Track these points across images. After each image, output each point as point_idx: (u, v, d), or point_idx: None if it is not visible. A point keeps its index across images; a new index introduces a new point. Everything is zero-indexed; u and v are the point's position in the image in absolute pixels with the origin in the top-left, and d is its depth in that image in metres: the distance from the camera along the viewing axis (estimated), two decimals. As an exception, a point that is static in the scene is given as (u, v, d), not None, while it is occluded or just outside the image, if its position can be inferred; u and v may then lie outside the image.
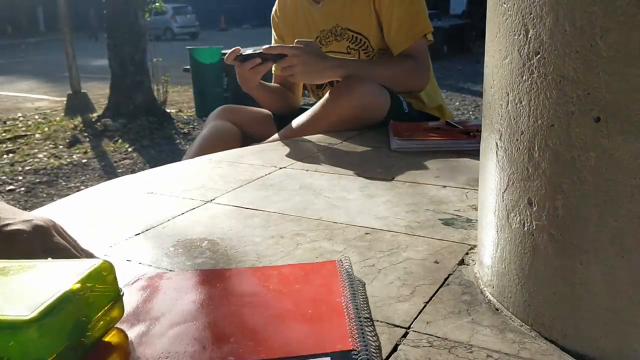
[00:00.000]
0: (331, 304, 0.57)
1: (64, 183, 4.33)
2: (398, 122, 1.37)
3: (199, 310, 0.58)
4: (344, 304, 0.57)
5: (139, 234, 0.81)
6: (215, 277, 0.65)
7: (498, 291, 0.58)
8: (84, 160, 4.89)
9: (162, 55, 6.89)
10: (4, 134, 5.81)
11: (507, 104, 0.54)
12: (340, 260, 0.67)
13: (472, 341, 0.52)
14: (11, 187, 4.21)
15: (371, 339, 0.52)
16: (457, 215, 0.84)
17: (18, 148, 5.27)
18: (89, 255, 0.67)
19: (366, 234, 0.78)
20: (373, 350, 0.50)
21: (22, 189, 4.16)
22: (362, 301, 0.58)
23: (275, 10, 1.74)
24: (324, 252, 0.72)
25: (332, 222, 0.83)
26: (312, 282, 0.62)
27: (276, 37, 1.76)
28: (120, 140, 5.44)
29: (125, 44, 6.10)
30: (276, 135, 1.45)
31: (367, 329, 0.53)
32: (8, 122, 6.51)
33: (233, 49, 1.41)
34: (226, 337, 0.53)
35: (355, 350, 0.49)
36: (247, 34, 22.37)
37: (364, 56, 1.58)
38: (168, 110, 6.50)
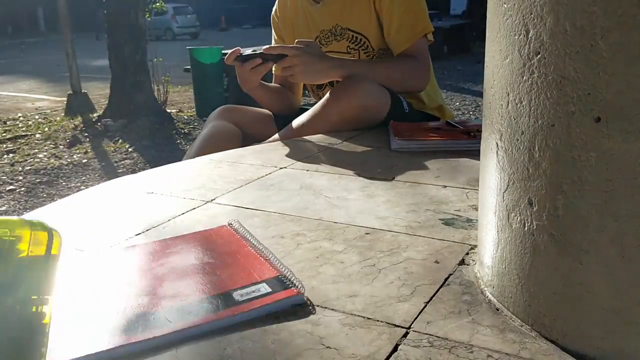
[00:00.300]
0: (242, 252, 0.69)
1: (64, 183, 4.33)
2: (398, 122, 1.37)
3: (141, 274, 0.66)
4: (253, 250, 0.69)
5: (139, 234, 0.81)
6: (138, 252, 0.73)
7: (498, 291, 0.59)
8: (85, 161, 4.89)
9: (162, 55, 6.88)
10: (4, 134, 5.81)
11: (508, 104, 0.54)
12: (230, 223, 0.79)
13: (473, 341, 0.52)
14: (11, 187, 4.22)
15: (288, 268, 0.64)
16: (457, 215, 0.84)
17: (18, 148, 5.28)
18: None
19: (366, 234, 0.78)
20: (292, 274, 0.62)
21: (23, 189, 4.16)
22: (264, 247, 0.70)
23: (275, 10, 1.74)
24: (324, 252, 0.72)
25: (333, 222, 0.83)
26: (216, 242, 0.73)
27: (276, 38, 1.76)
28: (120, 141, 5.44)
29: (125, 44, 6.10)
30: (276, 136, 1.45)
31: (281, 262, 0.65)
32: (8, 122, 6.52)
33: (233, 49, 1.41)
34: (173, 288, 0.62)
35: (281, 275, 0.62)
36: (247, 34, 22.36)
37: (364, 56, 1.58)
38: (168, 110, 6.50)
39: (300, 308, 0.58)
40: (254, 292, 0.59)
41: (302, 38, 1.49)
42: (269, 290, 0.60)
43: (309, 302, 0.59)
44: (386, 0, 1.49)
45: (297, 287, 0.60)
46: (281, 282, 0.61)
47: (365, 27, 1.55)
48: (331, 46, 1.60)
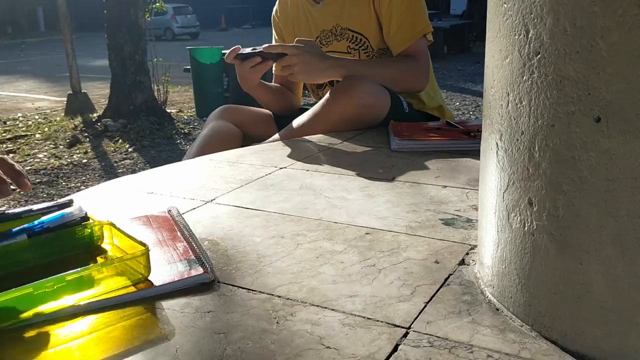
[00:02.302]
0: (171, 236, 0.77)
1: (64, 183, 4.33)
2: (398, 122, 1.37)
3: None
4: (180, 235, 0.77)
5: (139, 234, 0.81)
6: None
7: (498, 291, 0.58)
8: (84, 161, 4.89)
9: (162, 55, 6.88)
10: (4, 134, 5.81)
11: (508, 104, 0.54)
12: (170, 210, 0.87)
13: (473, 341, 0.52)
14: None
15: (204, 252, 0.72)
16: (457, 215, 0.84)
17: (18, 148, 5.28)
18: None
19: (366, 234, 0.78)
20: (206, 258, 0.70)
21: (23, 189, 4.14)
22: (190, 233, 0.79)
23: (276, 10, 1.74)
24: (324, 252, 0.72)
25: (333, 222, 0.83)
26: (151, 226, 0.82)
27: (276, 37, 1.76)
28: (120, 141, 5.44)
29: (125, 44, 6.10)
30: (277, 135, 1.45)
31: (201, 247, 0.74)
32: (8, 122, 6.52)
33: (233, 47, 1.41)
34: None
35: (194, 258, 0.69)
36: (247, 34, 22.37)
37: (364, 56, 1.58)
38: (168, 111, 6.50)
39: (209, 285, 0.65)
40: (170, 270, 0.67)
41: (305, 36, 1.49)
42: (183, 269, 0.67)
43: (216, 281, 0.66)
44: (385, 0, 1.49)
45: (206, 267, 0.67)
46: (194, 263, 0.68)
47: (365, 27, 1.55)
48: (332, 46, 1.60)
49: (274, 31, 1.77)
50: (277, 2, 1.74)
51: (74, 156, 5.04)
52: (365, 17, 1.54)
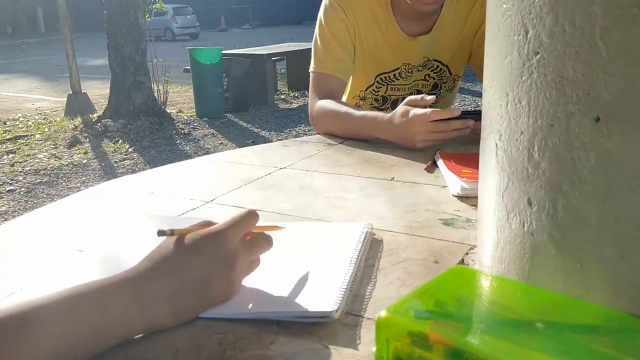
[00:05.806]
0: None
1: (64, 183, 4.33)
2: (447, 154, 1.07)
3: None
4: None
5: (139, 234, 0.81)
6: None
7: (498, 291, 0.58)
8: (84, 161, 4.89)
9: (162, 55, 6.89)
10: (4, 135, 5.81)
11: (507, 104, 0.54)
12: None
13: (472, 341, 0.52)
14: (11, 187, 4.22)
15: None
16: (457, 216, 0.84)
17: (18, 148, 5.28)
18: None
19: (366, 234, 0.78)
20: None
21: (23, 189, 4.16)
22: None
23: (343, 9, 1.42)
24: (324, 252, 0.72)
25: (332, 222, 0.83)
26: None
27: (345, 42, 1.43)
28: (120, 141, 5.44)
29: (125, 45, 6.11)
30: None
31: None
32: (8, 123, 6.52)
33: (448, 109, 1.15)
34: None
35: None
36: (247, 34, 22.37)
37: (437, 81, 1.56)
38: (168, 111, 6.50)
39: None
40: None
41: (384, 64, 1.47)
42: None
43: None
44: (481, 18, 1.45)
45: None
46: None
47: (453, 58, 1.52)
48: (410, 78, 1.53)
49: (336, 31, 1.42)
50: (338, 4, 1.42)
51: (74, 156, 5.04)
52: (462, 55, 1.51)
